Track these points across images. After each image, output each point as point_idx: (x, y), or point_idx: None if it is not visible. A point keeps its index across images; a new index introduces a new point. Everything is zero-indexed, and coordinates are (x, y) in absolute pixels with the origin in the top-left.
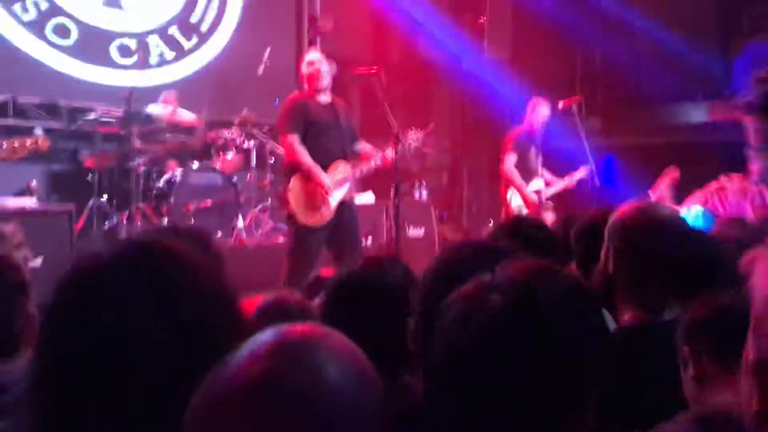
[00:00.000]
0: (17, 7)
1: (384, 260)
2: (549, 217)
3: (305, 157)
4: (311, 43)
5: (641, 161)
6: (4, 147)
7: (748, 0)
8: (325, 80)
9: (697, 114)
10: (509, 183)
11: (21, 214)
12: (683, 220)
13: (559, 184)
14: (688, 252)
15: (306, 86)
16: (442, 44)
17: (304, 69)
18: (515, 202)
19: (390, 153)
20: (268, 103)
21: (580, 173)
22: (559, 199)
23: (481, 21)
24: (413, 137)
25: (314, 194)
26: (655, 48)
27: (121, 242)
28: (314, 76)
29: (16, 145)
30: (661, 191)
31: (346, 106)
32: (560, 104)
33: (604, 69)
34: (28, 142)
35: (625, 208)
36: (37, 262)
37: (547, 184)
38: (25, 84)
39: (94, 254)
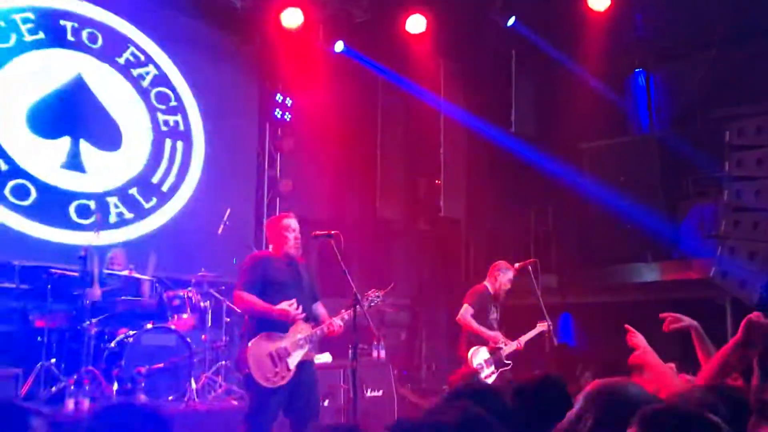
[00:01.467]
0: None
1: None
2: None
3: (257, 302)
4: (270, 203)
5: (596, 318)
6: None
7: (692, 166)
8: (298, 251)
9: (648, 274)
10: (472, 339)
11: None
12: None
13: (511, 346)
14: None
15: (271, 246)
16: (399, 205)
17: (282, 231)
18: (476, 360)
19: (337, 321)
20: (227, 262)
21: (537, 330)
22: (516, 358)
23: (437, 183)
24: (374, 296)
25: (274, 355)
26: (606, 210)
27: None
28: (288, 242)
29: None
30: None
31: (308, 266)
32: (516, 265)
33: (556, 229)
34: None
35: (605, 383)
36: None
37: (503, 344)
38: None
39: None
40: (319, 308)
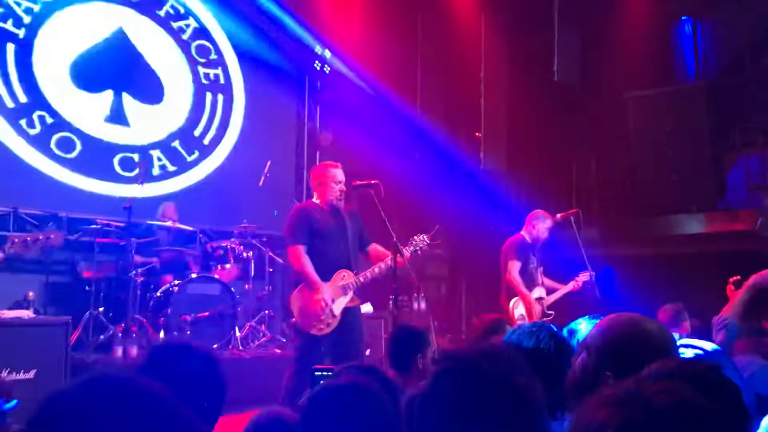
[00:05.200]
0: (23, 122)
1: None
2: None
3: (309, 268)
4: (310, 156)
5: (639, 271)
6: (16, 242)
7: (739, 116)
8: (341, 202)
9: (693, 225)
10: (513, 291)
11: (17, 325)
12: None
13: (560, 291)
14: None
15: (317, 196)
16: (439, 157)
17: (328, 181)
18: (518, 311)
19: (390, 263)
20: (268, 214)
21: (581, 279)
22: (559, 307)
23: (477, 135)
24: (419, 241)
25: (317, 304)
26: (651, 161)
27: (94, 380)
28: (333, 192)
29: (29, 239)
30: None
31: (354, 212)
32: (558, 216)
33: (599, 180)
34: (41, 236)
35: (616, 319)
36: (30, 374)
37: (548, 291)
38: (27, 196)
39: (62, 393)
40: (374, 248)
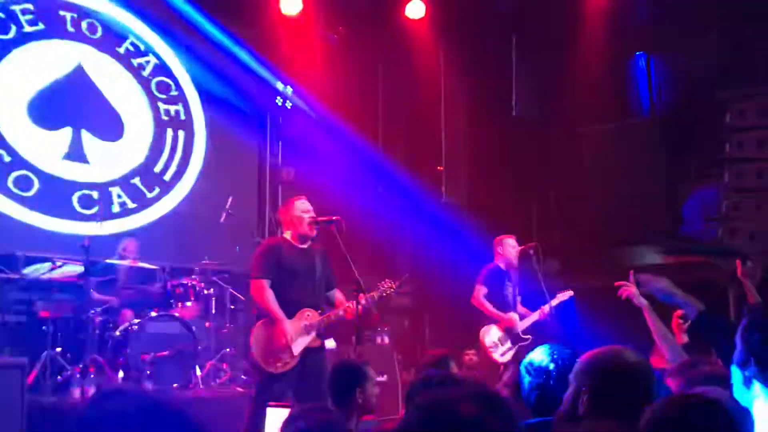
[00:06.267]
0: None
1: None
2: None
3: (272, 302)
4: (273, 192)
5: (601, 302)
6: None
7: (693, 149)
8: (314, 230)
9: (652, 256)
10: (484, 313)
11: None
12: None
13: (530, 319)
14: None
15: (289, 231)
16: (401, 191)
17: (296, 213)
18: (489, 339)
19: (354, 305)
20: (230, 250)
21: (546, 309)
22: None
23: (439, 169)
24: (386, 287)
25: (277, 341)
26: (608, 194)
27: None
28: (303, 222)
29: None
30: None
31: (324, 252)
32: (517, 249)
33: (559, 213)
34: None
35: (596, 353)
36: None
37: (522, 316)
38: None
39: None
40: (336, 294)
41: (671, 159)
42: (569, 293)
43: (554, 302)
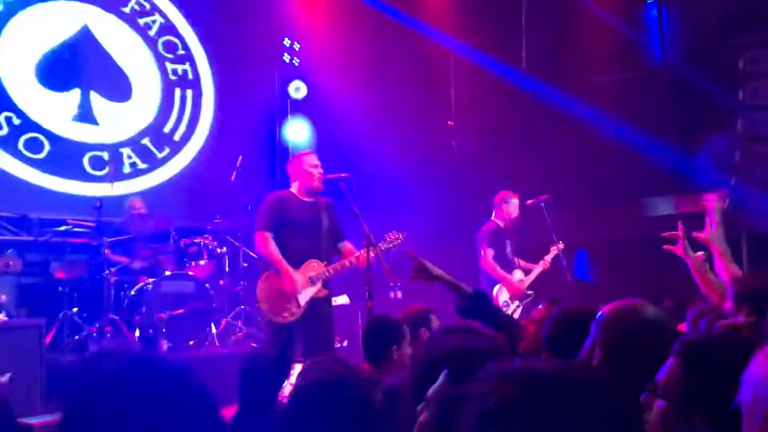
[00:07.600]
0: None
1: None
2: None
3: (275, 253)
4: (283, 149)
5: (611, 254)
6: None
7: (706, 97)
8: (322, 185)
9: (663, 207)
10: (492, 277)
11: None
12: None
13: (534, 273)
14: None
15: (296, 182)
16: (411, 143)
17: (305, 167)
18: (502, 298)
19: (363, 254)
20: (241, 208)
21: (552, 253)
22: (537, 289)
23: (450, 123)
24: (394, 238)
25: (282, 292)
26: (620, 144)
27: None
28: (313, 177)
29: None
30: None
31: (331, 205)
32: (528, 202)
33: (570, 165)
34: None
35: (614, 306)
36: (5, 378)
37: (525, 272)
38: None
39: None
40: (346, 245)
41: (684, 108)
42: (560, 245)
43: (548, 256)
